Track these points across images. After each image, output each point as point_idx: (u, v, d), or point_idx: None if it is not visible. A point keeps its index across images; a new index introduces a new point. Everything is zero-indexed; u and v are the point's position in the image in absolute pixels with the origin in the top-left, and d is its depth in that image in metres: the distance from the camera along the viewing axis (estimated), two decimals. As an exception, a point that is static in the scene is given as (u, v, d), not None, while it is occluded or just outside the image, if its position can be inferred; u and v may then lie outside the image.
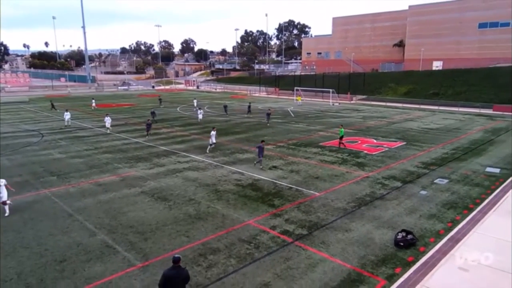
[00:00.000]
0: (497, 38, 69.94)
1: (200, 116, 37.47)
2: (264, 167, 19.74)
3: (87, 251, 10.80)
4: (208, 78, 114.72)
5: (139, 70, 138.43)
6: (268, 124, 35.01)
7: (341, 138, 24.94)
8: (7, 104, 52.90)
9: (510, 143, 27.29)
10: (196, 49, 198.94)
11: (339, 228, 12.53)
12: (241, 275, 9.70)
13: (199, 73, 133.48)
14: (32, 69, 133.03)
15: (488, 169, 19.98)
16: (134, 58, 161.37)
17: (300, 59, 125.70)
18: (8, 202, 13.47)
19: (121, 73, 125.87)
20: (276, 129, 33.17)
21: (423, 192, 16.21)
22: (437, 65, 77.12)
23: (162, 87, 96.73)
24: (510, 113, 44.97)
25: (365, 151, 24.21)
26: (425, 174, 19.05)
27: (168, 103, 55.09)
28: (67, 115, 33.56)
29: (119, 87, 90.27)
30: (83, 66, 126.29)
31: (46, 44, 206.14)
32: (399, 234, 11.51)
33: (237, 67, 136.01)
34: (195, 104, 49.68)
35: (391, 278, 9.58)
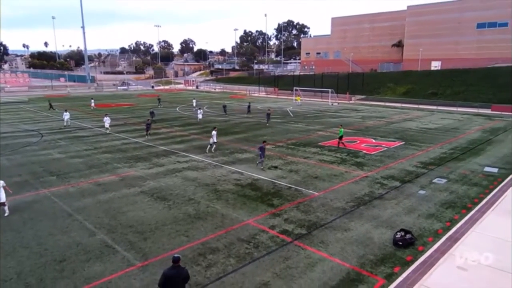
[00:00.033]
0: (496, 38, 70.13)
1: (200, 116, 37.49)
2: (263, 167, 19.77)
3: (87, 251, 10.82)
4: (207, 78, 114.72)
5: (139, 70, 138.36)
6: (268, 124, 35.05)
7: (340, 138, 25.00)
8: (6, 104, 52.83)
9: (508, 143, 27.37)
10: (195, 49, 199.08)
11: (338, 228, 12.57)
12: (241, 274, 9.73)
13: (198, 73, 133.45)
14: (31, 69, 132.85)
15: (487, 169, 20.04)
16: (134, 58, 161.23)
17: (299, 59, 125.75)
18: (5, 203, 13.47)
19: (121, 73, 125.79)
20: (275, 129, 33.21)
21: (421, 192, 16.26)
22: (435, 65, 77.27)
23: (162, 87, 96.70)
24: (508, 113, 45.09)
25: (364, 151, 24.26)
26: (423, 174, 19.11)
27: (167, 103, 55.09)
28: (66, 115, 33.51)
29: (119, 87, 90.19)
30: (83, 66, 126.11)
31: (46, 44, 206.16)
32: (398, 233, 11.56)
33: (236, 67, 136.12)
34: (194, 104, 49.71)
35: (390, 277, 9.63)
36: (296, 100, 59.59)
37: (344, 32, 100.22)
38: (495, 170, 19.86)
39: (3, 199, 13.30)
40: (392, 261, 10.46)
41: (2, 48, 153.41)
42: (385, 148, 25.20)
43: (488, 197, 15.66)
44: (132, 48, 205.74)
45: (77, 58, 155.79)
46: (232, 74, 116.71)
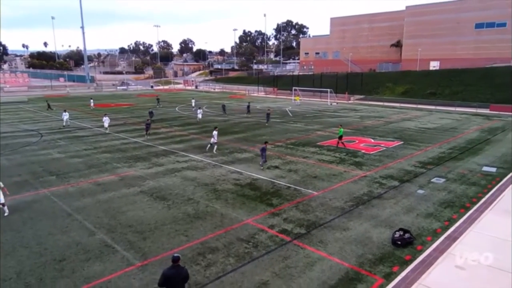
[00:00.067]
0: (494, 38, 70.29)
1: (200, 116, 37.52)
2: (263, 167, 19.79)
3: (86, 251, 10.84)
4: (206, 78, 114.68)
5: (138, 70, 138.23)
6: (267, 124, 35.08)
7: (340, 137, 25.05)
8: (6, 104, 52.79)
9: (506, 143, 27.46)
10: (194, 49, 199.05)
11: (337, 227, 12.61)
12: (240, 274, 9.76)
13: (197, 73, 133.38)
14: (31, 69, 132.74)
15: (485, 168, 20.11)
16: (133, 58, 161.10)
17: (298, 59, 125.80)
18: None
19: (120, 73, 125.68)
20: (275, 128, 33.25)
21: (420, 191, 16.31)
22: (434, 65, 77.40)
23: (161, 87, 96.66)
24: (507, 113, 45.24)
25: (363, 151, 24.31)
26: (422, 173, 19.17)
27: (167, 103, 55.08)
28: (65, 115, 33.43)
29: (118, 87, 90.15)
30: (82, 66, 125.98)
31: (45, 44, 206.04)
32: (397, 233, 11.60)
33: (236, 67, 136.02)
34: (193, 104, 49.71)
35: (389, 277, 9.67)
36: (295, 100, 59.63)
37: (343, 32, 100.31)
38: (493, 169, 19.93)
39: (2, 200, 13.32)
40: (391, 260, 10.50)
41: (1, 48, 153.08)
42: (384, 148, 25.25)
43: (487, 196, 15.72)
44: (132, 48, 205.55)
45: (76, 58, 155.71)
46: (232, 74, 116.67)
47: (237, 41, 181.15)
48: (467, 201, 15.21)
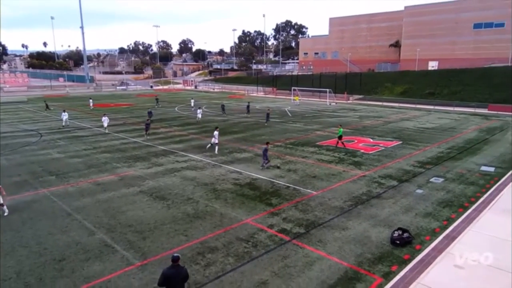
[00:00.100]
0: (492, 39, 70.41)
1: (199, 116, 37.54)
2: (262, 167, 19.82)
3: (86, 250, 10.86)
4: (206, 78, 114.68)
5: (138, 70, 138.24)
6: (266, 124, 35.12)
7: (339, 137, 25.09)
8: (5, 104, 52.74)
9: (505, 142, 27.55)
10: (194, 49, 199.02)
11: (336, 227, 12.65)
12: (239, 273, 9.80)
13: (197, 73, 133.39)
14: (30, 69, 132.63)
15: (483, 168, 20.17)
16: (133, 58, 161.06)
17: (297, 59, 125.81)
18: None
19: (120, 73, 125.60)
20: (274, 128, 33.28)
21: (419, 191, 16.36)
22: (432, 65, 77.50)
23: (160, 87, 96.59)
24: (505, 113, 45.33)
25: (362, 150, 24.37)
26: (421, 173, 19.22)
27: (166, 103, 55.08)
28: (64, 115, 33.40)
29: (118, 87, 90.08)
30: (82, 66, 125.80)
31: (45, 44, 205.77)
32: (395, 232, 11.65)
33: (235, 67, 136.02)
34: (192, 104, 49.72)
35: (388, 276, 9.71)
36: (294, 100, 59.68)
37: (342, 32, 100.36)
38: (492, 169, 19.99)
39: (1, 200, 13.33)
40: (389, 259, 10.54)
41: (1, 48, 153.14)
42: (383, 148, 25.31)
43: (485, 196, 15.78)
44: (131, 48, 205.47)
45: (76, 58, 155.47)
46: (231, 74, 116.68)
47: (237, 41, 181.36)
48: (465, 200, 15.27)
